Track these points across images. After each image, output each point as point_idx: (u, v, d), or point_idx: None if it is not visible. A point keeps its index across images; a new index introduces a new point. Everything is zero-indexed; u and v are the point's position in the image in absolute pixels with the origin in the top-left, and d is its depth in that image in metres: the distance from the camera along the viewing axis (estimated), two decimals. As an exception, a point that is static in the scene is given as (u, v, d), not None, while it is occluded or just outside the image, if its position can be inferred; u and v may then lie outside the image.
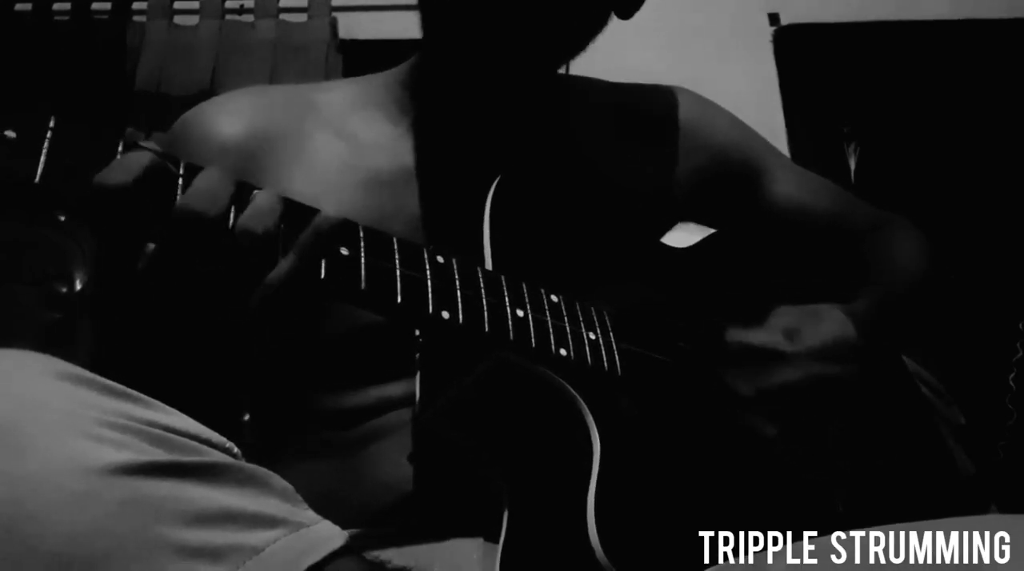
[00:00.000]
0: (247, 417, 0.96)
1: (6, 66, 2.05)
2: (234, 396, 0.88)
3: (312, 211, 0.66)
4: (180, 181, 0.61)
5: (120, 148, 0.61)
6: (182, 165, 0.62)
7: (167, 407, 0.56)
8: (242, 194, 0.63)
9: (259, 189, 0.65)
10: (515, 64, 0.86)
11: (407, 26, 0.89)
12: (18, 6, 2.16)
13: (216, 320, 0.67)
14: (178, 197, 0.61)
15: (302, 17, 2.17)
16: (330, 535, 0.56)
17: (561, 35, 0.87)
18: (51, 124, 0.58)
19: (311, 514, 0.57)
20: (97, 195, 0.58)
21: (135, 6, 2.19)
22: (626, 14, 0.92)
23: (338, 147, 0.91)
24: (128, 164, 0.59)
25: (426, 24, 0.88)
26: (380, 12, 2.16)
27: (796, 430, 0.83)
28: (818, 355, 0.84)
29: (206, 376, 0.75)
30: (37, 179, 0.57)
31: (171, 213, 0.60)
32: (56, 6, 2.16)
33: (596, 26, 0.89)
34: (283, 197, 0.65)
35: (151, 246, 0.63)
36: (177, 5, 2.19)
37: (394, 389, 0.83)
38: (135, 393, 0.55)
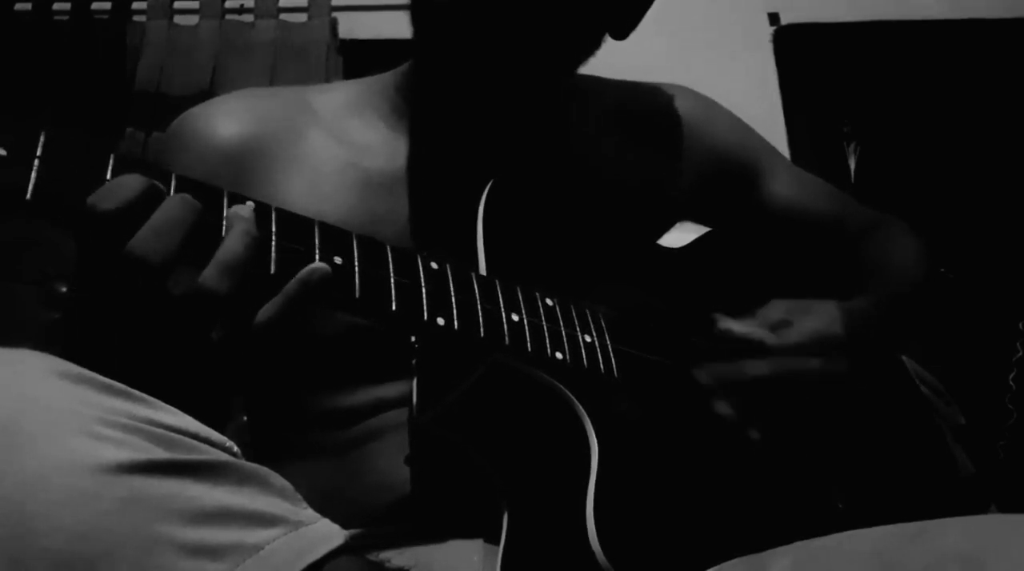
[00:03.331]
0: (245, 418, 0.96)
1: (6, 66, 2.05)
2: (222, 399, 0.87)
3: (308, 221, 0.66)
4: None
5: (111, 164, 0.60)
6: (173, 181, 0.61)
7: (167, 405, 0.56)
8: (212, 210, 0.62)
9: (252, 201, 0.64)
10: (505, 82, 0.85)
11: (407, 26, 0.89)
12: (18, 6, 2.16)
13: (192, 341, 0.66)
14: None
15: (302, 17, 2.17)
16: (329, 534, 0.56)
17: (552, 57, 0.86)
18: (41, 140, 0.58)
19: (310, 512, 0.57)
20: (87, 218, 0.58)
21: (135, 6, 2.19)
22: (621, 35, 0.91)
23: (333, 149, 0.91)
24: (120, 190, 0.58)
25: (418, 38, 0.88)
26: (380, 12, 2.16)
27: (782, 429, 0.83)
28: (796, 349, 0.84)
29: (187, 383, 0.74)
30: (28, 197, 0.56)
31: (122, 253, 0.58)
32: (56, 6, 2.15)
33: (588, 48, 0.89)
34: (256, 238, 0.62)
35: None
36: (177, 5, 2.19)
37: (390, 390, 0.83)
38: (135, 392, 0.55)
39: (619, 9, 0.90)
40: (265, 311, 0.62)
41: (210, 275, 0.60)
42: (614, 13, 0.89)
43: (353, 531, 0.60)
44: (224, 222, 0.62)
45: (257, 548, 0.52)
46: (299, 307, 0.62)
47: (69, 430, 0.50)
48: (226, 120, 0.90)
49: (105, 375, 0.55)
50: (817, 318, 0.87)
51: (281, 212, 0.65)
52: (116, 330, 0.67)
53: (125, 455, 0.50)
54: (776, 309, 0.87)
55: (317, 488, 0.65)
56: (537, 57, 0.84)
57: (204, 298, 0.60)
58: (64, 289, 1.82)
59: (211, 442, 0.56)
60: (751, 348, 0.83)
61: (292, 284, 0.62)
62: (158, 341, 0.63)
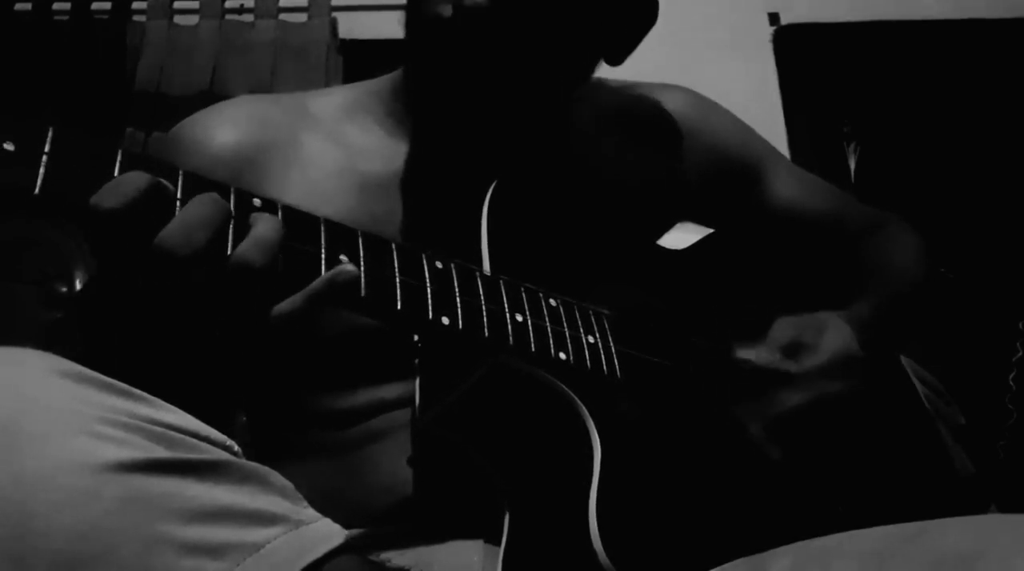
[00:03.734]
0: (244, 418, 0.96)
1: (6, 66, 2.05)
2: (228, 399, 0.87)
3: (314, 218, 0.66)
4: (179, 196, 0.61)
5: (118, 160, 0.60)
6: (180, 178, 0.62)
7: (167, 404, 0.56)
8: (243, 206, 0.63)
9: (259, 197, 0.64)
10: (498, 101, 0.86)
11: (406, 27, 0.89)
12: (18, 6, 2.16)
13: (213, 333, 0.66)
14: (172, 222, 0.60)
15: (302, 17, 2.17)
16: (329, 533, 0.56)
17: (544, 84, 0.87)
18: (49, 135, 0.58)
19: (311, 512, 0.57)
20: (94, 215, 0.58)
21: (135, 6, 2.19)
22: (616, 62, 0.92)
23: (332, 153, 0.91)
24: (124, 187, 0.58)
25: (411, 50, 0.88)
26: (380, 12, 2.16)
27: (801, 447, 0.84)
28: (824, 374, 0.85)
29: (198, 381, 0.74)
30: (36, 191, 0.56)
31: (151, 245, 0.59)
32: (56, 6, 2.16)
33: (583, 74, 0.90)
34: (283, 223, 0.63)
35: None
36: (177, 5, 2.19)
37: (391, 391, 0.83)
38: (136, 391, 0.55)
39: (614, 38, 0.90)
40: (285, 306, 0.62)
41: (245, 249, 0.60)
42: (609, 42, 0.90)
43: (353, 531, 0.60)
44: (232, 218, 0.62)
45: (257, 547, 0.52)
46: (320, 305, 0.62)
47: (69, 429, 0.50)
48: (224, 127, 0.90)
49: (110, 374, 0.55)
50: (833, 338, 0.87)
51: (287, 209, 0.65)
52: (118, 329, 0.67)
53: (126, 454, 0.51)
54: (785, 329, 0.87)
55: (317, 488, 0.65)
56: (530, 83, 0.85)
57: (241, 271, 0.60)
58: (64, 289, 1.82)
59: (212, 441, 0.56)
60: (777, 379, 0.84)
61: (319, 282, 0.62)
62: (177, 332, 0.64)
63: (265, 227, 0.62)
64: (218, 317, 0.62)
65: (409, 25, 0.87)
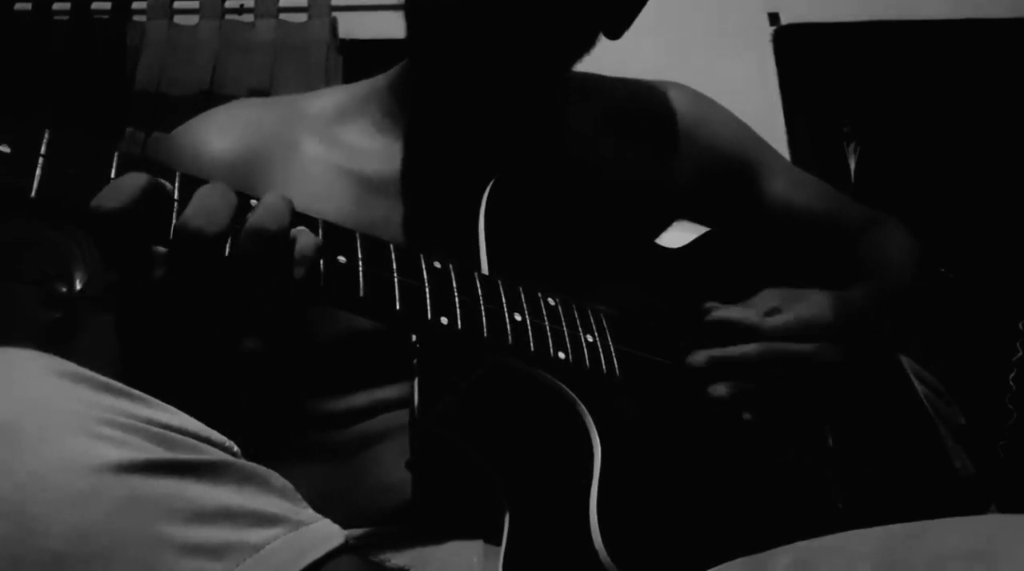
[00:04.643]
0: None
1: (6, 66, 2.05)
2: (238, 396, 0.88)
3: (312, 219, 0.66)
4: (176, 197, 0.61)
5: (115, 162, 0.60)
6: (177, 179, 0.62)
7: (167, 405, 0.56)
8: (243, 204, 0.63)
9: (256, 198, 0.65)
10: (499, 81, 0.85)
11: (406, 26, 0.89)
12: (18, 6, 2.16)
13: (230, 320, 0.67)
14: (174, 216, 0.61)
15: (302, 17, 2.17)
16: (329, 534, 0.56)
17: (546, 56, 0.86)
18: (46, 137, 0.58)
19: (310, 512, 0.57)
20: (93, 218, 0.58)
21: (135, 6, 2.19)
22: (615, 34, 0.92)
23: (329, 155, 0.91)
24: (124, 188, 0.59)
25: (412, 36, 0.88)
26: (380, 12, 2.16)
27: (760, 406, 0.83)
28: (784, 331, 0.85)
29: (218, 377, 0.75)
30: (33, 194, 0.57)
31: (169, 234, 0.60)
32: (56, 6, 2.15)
33: (583, 47, 0.89)
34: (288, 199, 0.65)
35: (161, 250, 0.63)
36: (177, 5, 2.19)
37: (389, 392, 0.83)
38: (135, 391, 0.56)
39: (613, 9, 0.90)
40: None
41: (259, 216, 0.62)
42: (608, 12, 0.89)
43: (353, 531, 0.60)
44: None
45: (257, 548, 0.52)
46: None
47: (69, 430, 0.50)
48: (219, 133, 0.90)
49: (150, 380, 0.56)
50: (807, 305, 0.88)
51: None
52: (148, 327, 0.69)
53: (125, 455, 0.51)
54: (768, 297, 0.88)
55: (317, 489, 0.65)
56: (531, 56, 0.84)
57: (256, 233, 0.61)
58: (64, 289, 1.82)
59: (211, 442, 0.56)
60: (741, 331, 0.84)
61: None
62: (207, 318, 0.65)
63: (273, 198, 0.63)
64: (241, 297, 0.63)
65: (410, 6, 0.86)
